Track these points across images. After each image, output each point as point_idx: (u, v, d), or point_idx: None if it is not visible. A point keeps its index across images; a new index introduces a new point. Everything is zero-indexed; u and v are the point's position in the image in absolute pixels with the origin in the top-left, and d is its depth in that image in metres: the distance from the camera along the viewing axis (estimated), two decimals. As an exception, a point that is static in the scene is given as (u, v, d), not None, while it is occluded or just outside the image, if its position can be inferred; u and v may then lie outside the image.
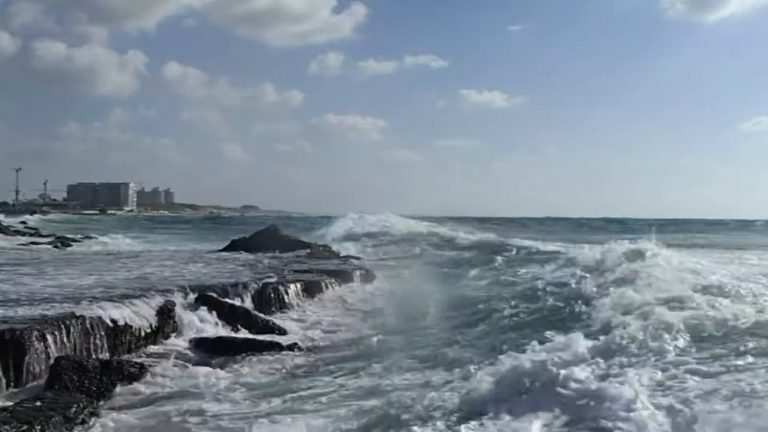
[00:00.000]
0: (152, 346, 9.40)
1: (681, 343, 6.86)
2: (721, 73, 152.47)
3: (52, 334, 7.78)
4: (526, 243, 21.34)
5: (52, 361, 7.40)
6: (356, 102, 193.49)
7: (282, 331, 10.78)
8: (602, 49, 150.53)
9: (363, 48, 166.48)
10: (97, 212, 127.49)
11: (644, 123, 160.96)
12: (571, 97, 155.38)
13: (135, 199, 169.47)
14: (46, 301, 9.36)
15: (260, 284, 13.06)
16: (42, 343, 7.53)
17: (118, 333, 8.85)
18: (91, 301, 9.38)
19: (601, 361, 6.33)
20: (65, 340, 7.92)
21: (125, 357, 8.57)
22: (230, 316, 10.81)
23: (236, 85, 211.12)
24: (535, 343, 7.20)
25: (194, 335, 9.99)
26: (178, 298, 10.77)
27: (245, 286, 12.75)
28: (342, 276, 16.27)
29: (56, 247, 28.04)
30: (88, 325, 8.41)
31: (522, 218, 73.34)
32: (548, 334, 8.06)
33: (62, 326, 7.99)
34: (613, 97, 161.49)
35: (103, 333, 8.59)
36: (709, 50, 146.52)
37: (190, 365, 8.43)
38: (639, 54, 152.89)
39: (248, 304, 12.03)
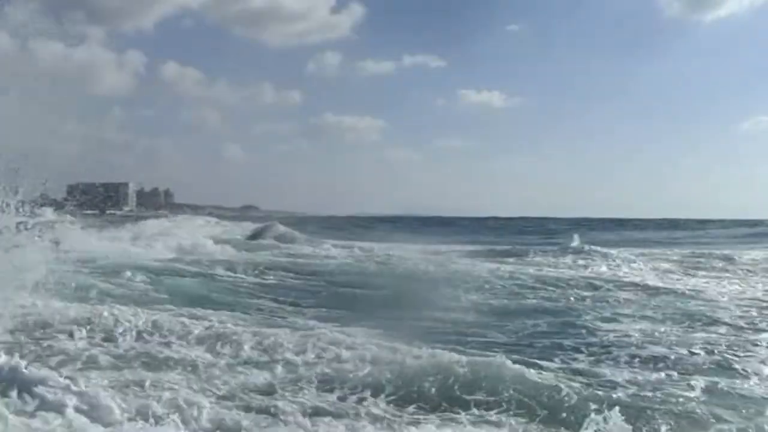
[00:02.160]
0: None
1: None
2: (720, 73, 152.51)
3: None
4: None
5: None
6: (355, 102, 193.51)
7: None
8: (600, 49, 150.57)
9: (361, 47, 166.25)
10: (96, 212, 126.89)
11: (643, 123, 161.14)
12: (569, 96, 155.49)
13: (135, 199, 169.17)
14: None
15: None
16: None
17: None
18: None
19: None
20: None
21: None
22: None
23: (235, 85, 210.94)
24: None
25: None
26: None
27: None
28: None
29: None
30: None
31: (499, 218, 73.19)
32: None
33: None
34: (612, 97, 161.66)
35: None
36: (708, 50, 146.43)
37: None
38: (637, 54, 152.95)
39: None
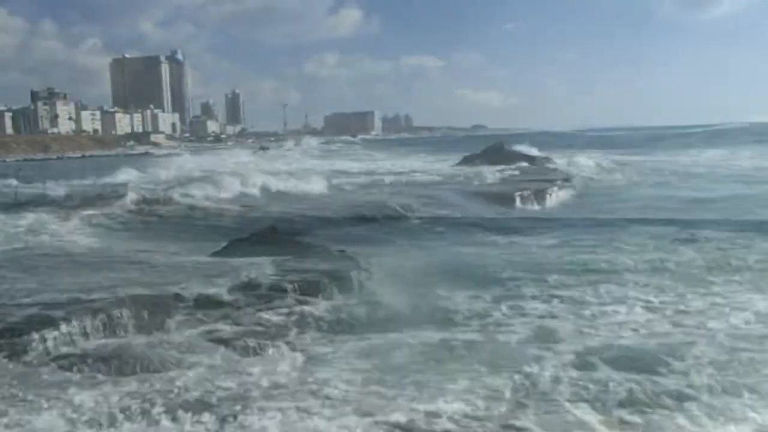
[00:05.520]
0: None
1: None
2: (717, 73, 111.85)
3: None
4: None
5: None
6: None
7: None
8: (596, 48, 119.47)
9: (359, 48, 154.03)
10: (350, 137, 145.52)
11: (641, 122, 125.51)
12: (567, 95, 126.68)
13: (380, 124, 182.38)
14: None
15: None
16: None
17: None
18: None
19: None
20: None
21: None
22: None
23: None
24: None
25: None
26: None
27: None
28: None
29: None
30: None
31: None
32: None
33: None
34: (609, 96, 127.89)
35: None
36: (705, 49, 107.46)
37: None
38: (633, 53, 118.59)
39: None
